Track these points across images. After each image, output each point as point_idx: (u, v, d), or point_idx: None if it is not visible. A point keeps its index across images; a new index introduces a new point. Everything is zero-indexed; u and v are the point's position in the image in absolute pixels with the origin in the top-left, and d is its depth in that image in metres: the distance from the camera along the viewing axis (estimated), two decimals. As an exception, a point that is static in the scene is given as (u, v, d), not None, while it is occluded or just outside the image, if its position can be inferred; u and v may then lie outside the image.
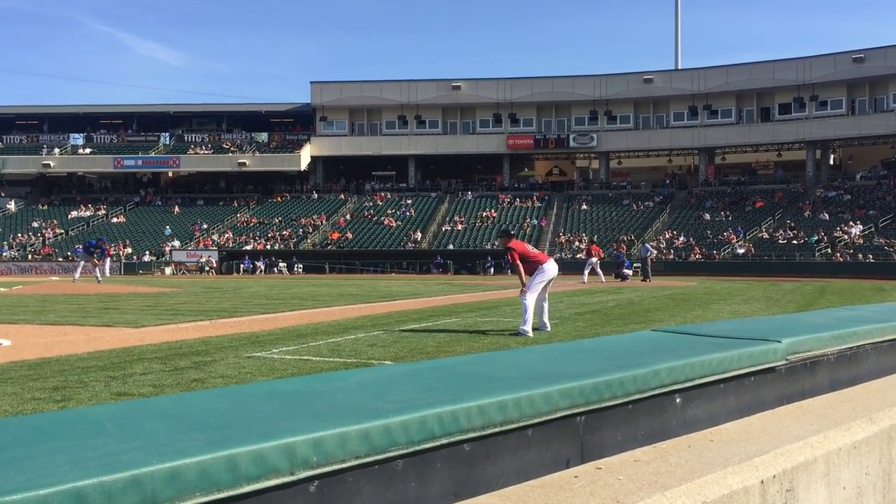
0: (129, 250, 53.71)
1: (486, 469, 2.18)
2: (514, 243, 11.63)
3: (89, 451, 1.62)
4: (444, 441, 2.04)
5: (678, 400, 2.86)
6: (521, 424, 2.25)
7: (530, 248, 12.03)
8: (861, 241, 45.11)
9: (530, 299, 11.03)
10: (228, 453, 1.64)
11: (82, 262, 31.35)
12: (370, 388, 2.33)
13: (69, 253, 53.90)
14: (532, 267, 11.33)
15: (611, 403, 2.55)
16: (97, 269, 30.03)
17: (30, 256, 54.50)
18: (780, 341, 3.43)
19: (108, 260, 41.49)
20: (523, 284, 11.24)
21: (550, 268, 11.37)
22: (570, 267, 38.29)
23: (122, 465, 1.52)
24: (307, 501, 1.77)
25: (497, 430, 2.18)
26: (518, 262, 11.35)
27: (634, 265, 36.30)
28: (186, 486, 1.56)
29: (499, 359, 3.27)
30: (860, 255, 42.73)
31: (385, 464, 1.92)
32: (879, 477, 3.09)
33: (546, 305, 11.62)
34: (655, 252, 45.44)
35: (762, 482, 2.45)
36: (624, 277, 33.09)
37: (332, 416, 1.94)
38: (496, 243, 48.90)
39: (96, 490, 1.44)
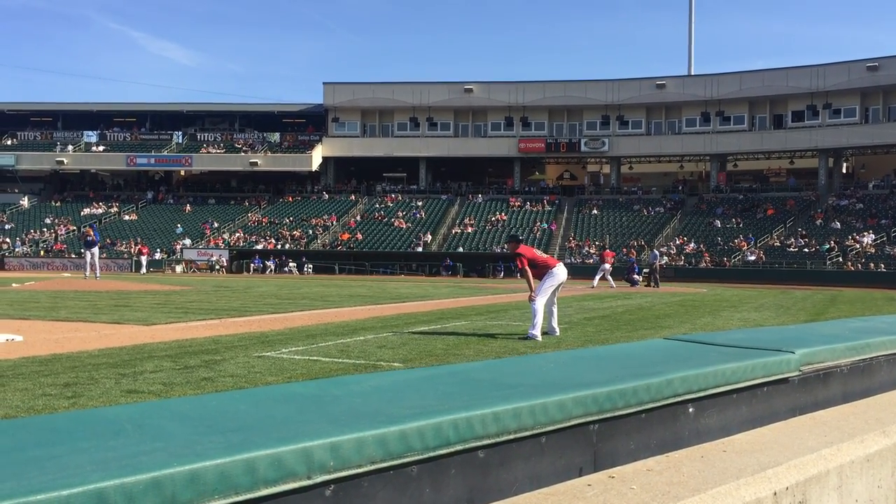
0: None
1: (500, 476, 2.19)
2: (523, 248, 11.57)
3: (110, 451, 1.64)
4: (458, 447, 2.05)
5: (691, 410, 2.86)
6: (535, 432, 2.26)
7: (538, 253, 12.01)
8: (873, 250, 44.87)
9: (540, 303, 11.01)
10: (247, 456, 1.65)
11: (89, 257, 30.95)
12: (386, 393, 2.35)
13: (82, 250, 54.14)
14: (541, 271, 11.31)
15: (624, 412, 2.56)
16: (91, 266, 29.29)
17: (42, 252, 54.77)
18: (793, 352, 3.42)
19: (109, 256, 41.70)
20: (531, 290, 11.22)
21: (560, 272, 11.36)
22: (580, 272, 38.28)
23: (142, 466, 1.54)
24: (323, 506, 1.78)
25: (511, 437, 2.19)
26: (526, 267, 11.31)
27: (644, 271, 36.22)
28: (205, 488, 1.57)
29: (513, 365, 3.28)
30: (872, 265, 42.51)
31: (400, 469, 1.93)
32: (892, 490, 3.08)
33: (555, 310, 11.61)
34: (666, 259, 45.34)
35: (775, 494, 2.45)
36: (634, 283, 33.08)
37: (348, 421, 1.95)
38: (505, 248, 48.86)
39: (118, 491, 1.46)
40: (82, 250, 31.11)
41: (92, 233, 30.40)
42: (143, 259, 46.51)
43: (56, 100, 72.86)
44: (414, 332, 11.77)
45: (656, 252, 36.90)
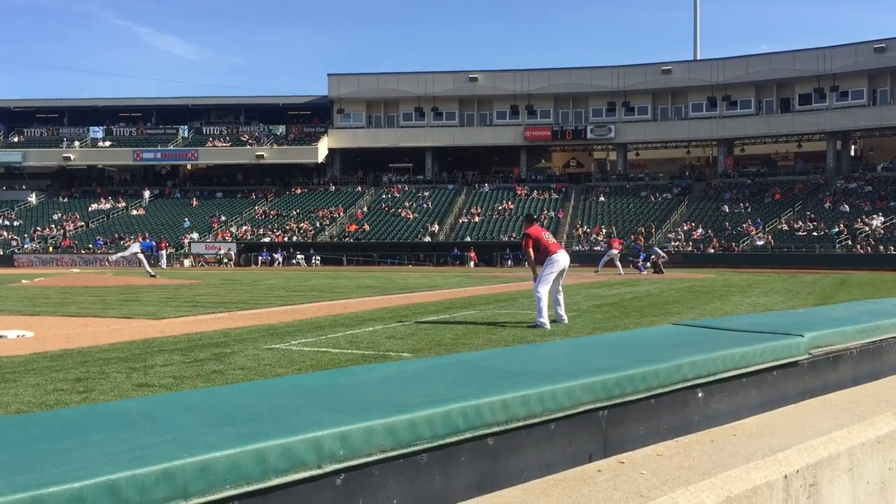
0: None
1: (510, 463, 2.19)
2: (532, 229, 11.54)
3: (121, 444, 1.64)
4: (468, 435, 2.06)
5: (700, 394, 2.86)
6: (544, 419, 2.26)
7: (545, 237, 11.80)
8: (882, 232, 44.65)
9: (543, 291, 11.01)
10: (257, 447, 1.65)
11: (142, 257, 33.14)
12: (394, 383, 2.35)
13: (90, 245, 54.40)
14: (542, 256, 11.27)
15: (633, 398, 2.55)
16: (146, 264, 32.08)
17: (51, 249, 55.00)
18: (802, 335, 3.41)
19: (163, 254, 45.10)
20: (535, 273, 11.26)
21: (560, 258, 11.31)
22: (587, 259, 38.25)
23: (153, 458, 1.55)
24: (334, 495, 1.79)
25: (520, 424, 2.19)
26: (530, 249, 11.30)
27: (652, 256, 36.17)
28: (216, 479, 1.58)
29: (521, 353, 3.28)
30: (881, 247, 42.31)
31: (410, 457, 1.93)
32: (903, 472, 3.07)
33: (561, 298, 11.58)
34: (674, 244, 45.15)
35: (786, 477, 2.44)
36: (641, 269, 33.08)
37: (357, 410, 1.95)
38: (513, 236, 48.83)
39: (129, 483, 1.46)
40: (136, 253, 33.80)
41: (139, 244, 33.53)
42: (163, 253, 46.91)
43: (62, 96, 72.82)
44: (422, 322, 11.78)
45: (656, 248, 36.77)
